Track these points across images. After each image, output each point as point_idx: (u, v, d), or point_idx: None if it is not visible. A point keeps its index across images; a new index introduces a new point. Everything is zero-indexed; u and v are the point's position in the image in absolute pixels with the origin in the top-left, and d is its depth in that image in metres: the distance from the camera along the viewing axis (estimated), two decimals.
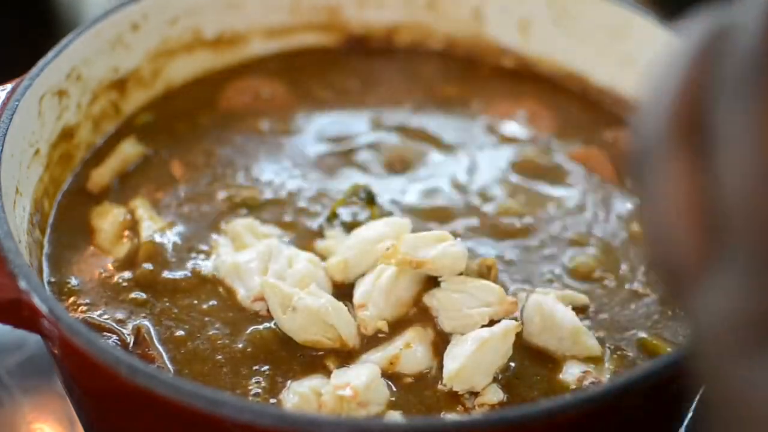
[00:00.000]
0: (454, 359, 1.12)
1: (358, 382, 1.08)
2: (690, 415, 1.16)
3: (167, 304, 1.20)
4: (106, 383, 1.01)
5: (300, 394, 1.09)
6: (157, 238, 1.26)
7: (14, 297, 1.04)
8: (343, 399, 1.07)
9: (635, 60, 1.47)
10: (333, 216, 1.30)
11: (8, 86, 1.25)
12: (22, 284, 1.04)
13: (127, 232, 1.29)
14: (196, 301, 1.20)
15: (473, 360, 1.12)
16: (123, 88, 1.44)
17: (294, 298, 1.14)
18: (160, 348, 1.15)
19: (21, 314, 1.05)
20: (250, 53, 1.57)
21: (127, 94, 1.45)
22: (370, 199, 1.32)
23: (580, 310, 1.21)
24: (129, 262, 1.25)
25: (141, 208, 1.31)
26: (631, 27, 1.45)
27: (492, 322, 1.16)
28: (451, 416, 1.08)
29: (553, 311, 1.18)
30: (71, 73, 1.34)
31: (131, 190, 1.35)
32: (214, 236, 1.28)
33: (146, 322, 1.17)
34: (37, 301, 1.03)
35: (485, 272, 1.23)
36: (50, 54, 1.31)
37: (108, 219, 1.30)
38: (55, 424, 1.35)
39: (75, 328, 1.00)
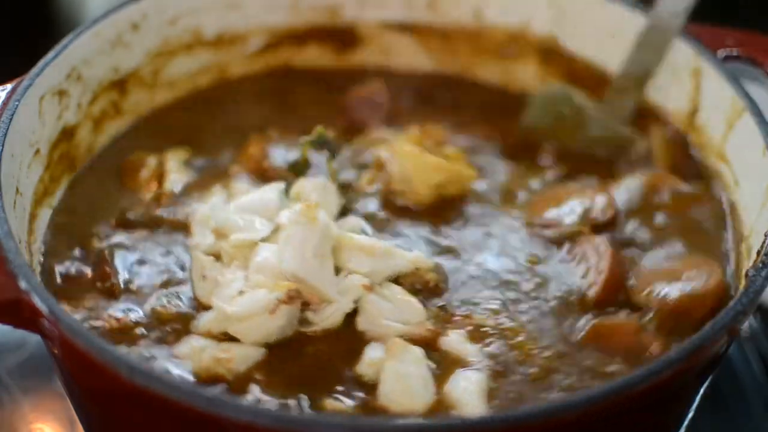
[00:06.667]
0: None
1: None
2: (690, 416, 1.16)
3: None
4: (106, 383, 1.01)
5: (192, 347, 1.12)
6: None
7: (14, 297, 1.04)
8: (219, 361, 1.10)
9: None
10: (304, 163, 1.33)
11: (8, 86, 1.26)
12: (22, 284, 1.04)
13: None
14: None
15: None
16: (123, 88, 1.44)
17: (207, 266, 1.21)
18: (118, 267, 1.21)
19: (21, 314, 1.05)
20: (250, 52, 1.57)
21: (127, 94, 1.45)
22: (329, 148, 1.33)
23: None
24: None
25: (172, 161, 1.36)
26: (631, 27, 1.45)
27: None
28: (451, 416, 1.08)
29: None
30: (71, 73, 1.34)
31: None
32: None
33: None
34: (37, 301, 1.03)
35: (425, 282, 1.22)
36: (50, 54, 1.31)
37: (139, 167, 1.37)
38: (55, 424, 1.35)
39: (75, 328, 1.01)
